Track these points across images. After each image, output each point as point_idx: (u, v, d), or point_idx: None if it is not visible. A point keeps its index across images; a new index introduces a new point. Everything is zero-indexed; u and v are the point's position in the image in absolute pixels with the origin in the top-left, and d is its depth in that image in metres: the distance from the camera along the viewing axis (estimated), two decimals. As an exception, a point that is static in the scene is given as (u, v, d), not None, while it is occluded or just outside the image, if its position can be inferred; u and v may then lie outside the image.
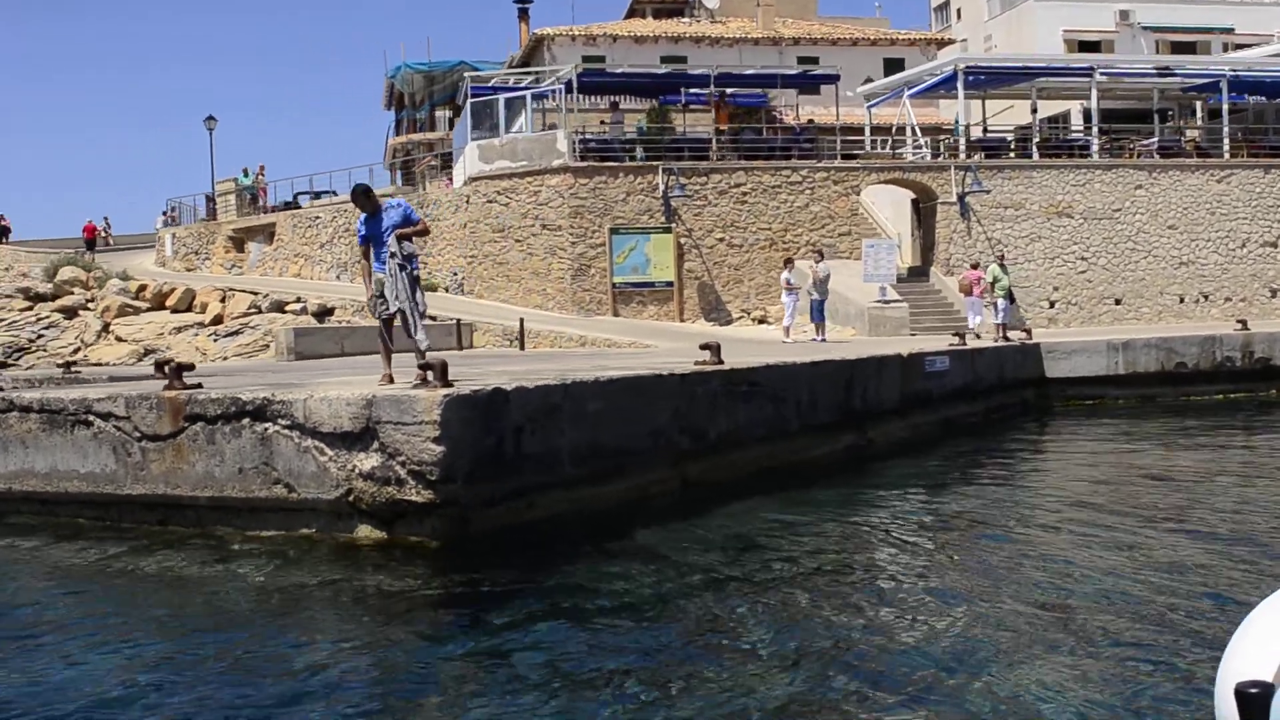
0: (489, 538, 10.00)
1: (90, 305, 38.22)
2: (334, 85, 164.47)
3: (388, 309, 11.08)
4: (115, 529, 11.35)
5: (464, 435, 9.55)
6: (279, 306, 34.15)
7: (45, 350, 35.38)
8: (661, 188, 31.73)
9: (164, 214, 51.43)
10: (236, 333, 33.51)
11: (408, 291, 10.96)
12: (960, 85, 34.56)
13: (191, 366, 11.69)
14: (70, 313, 37.94)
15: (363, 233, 11.23)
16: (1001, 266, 25.45)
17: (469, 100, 34.83)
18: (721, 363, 13.27)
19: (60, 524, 11.75)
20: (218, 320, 34.77)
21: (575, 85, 33.30)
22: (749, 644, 7.45)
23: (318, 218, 39.93)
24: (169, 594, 9.18)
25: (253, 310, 34.84)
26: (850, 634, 7.64)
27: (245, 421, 10.40)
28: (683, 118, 37.77)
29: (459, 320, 27.84)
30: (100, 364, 30.85)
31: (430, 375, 9.71)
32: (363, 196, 11.17)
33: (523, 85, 35.53)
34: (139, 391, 11.25)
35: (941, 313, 30.83)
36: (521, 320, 26.94)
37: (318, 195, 43.90)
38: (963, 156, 33.95)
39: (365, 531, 10.01)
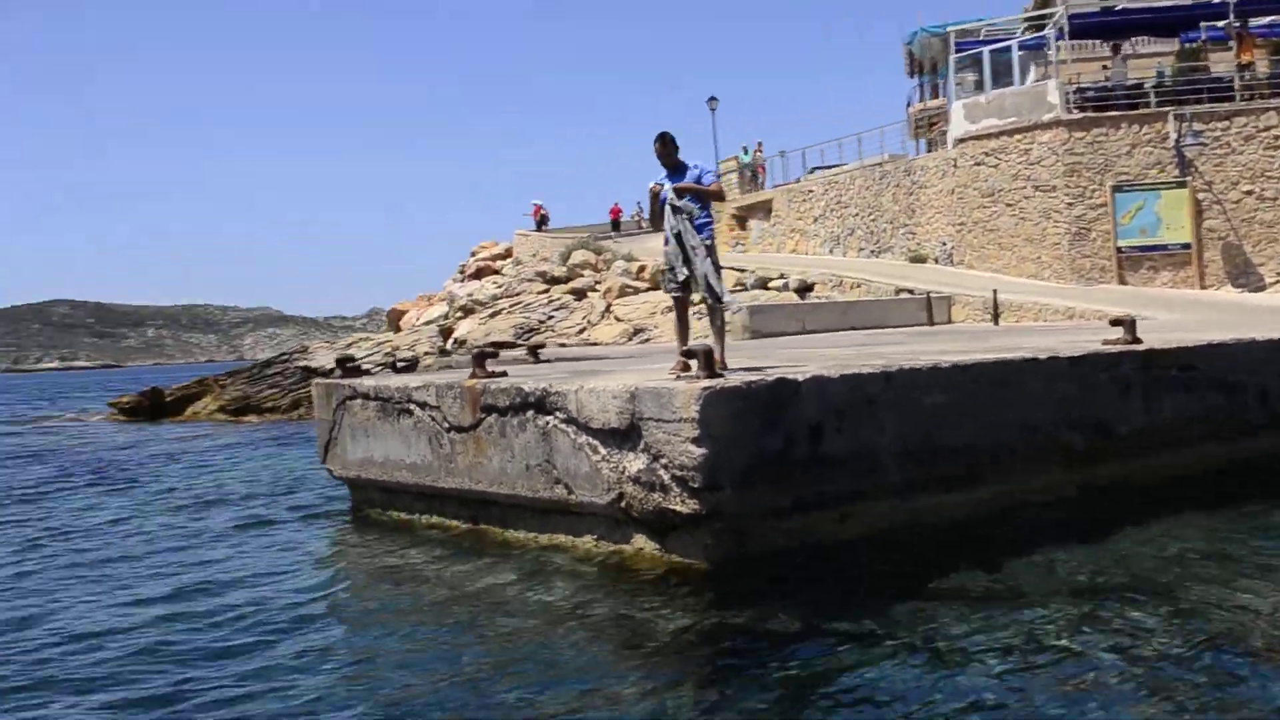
0: (776, 559, 8.26)
1: (597, 287, 39.67)
2: (857, 54, 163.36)
3: (676, 283, 9.50)
4: (439, 526, 10.80)
5: (733, 434, 7.90)
6: (763, 283, 33.47)
7: (554, 331, 36.93)
8: (1173, 137, 27.61)
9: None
10: (717, 311, 33.24)
11: (685, 260, 9.25)
12: None
13: (495, 353, 10.85)
14: (580, 294, 39.51)
15: (665, 197, 9.66)
16: None
17: (953, 56, 32.26)
18: (1137, 341, 10.58)
19: (396, 520, 11.42)
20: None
21: (1067, 30, 29.77)
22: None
23: (810, 191, 38.90)
24: (443, 607, 8.25)
25: (739, 288, 34.39)
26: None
27: (529, 414, 9.36)
28: (1207, 57, 32.85)
29: (929, 294, 25.68)
30: (594, 343, 31.64)
31: (694, 364, 8.14)
32: (661, 145, 9.40)
33: (1010, 36, 32.35)
34: (447, 380, 10.58)
35: None
36: (994, 292, 24.30)
37: (814, 170, 42.83)
38: None
39: (640, 543, 8.65)
